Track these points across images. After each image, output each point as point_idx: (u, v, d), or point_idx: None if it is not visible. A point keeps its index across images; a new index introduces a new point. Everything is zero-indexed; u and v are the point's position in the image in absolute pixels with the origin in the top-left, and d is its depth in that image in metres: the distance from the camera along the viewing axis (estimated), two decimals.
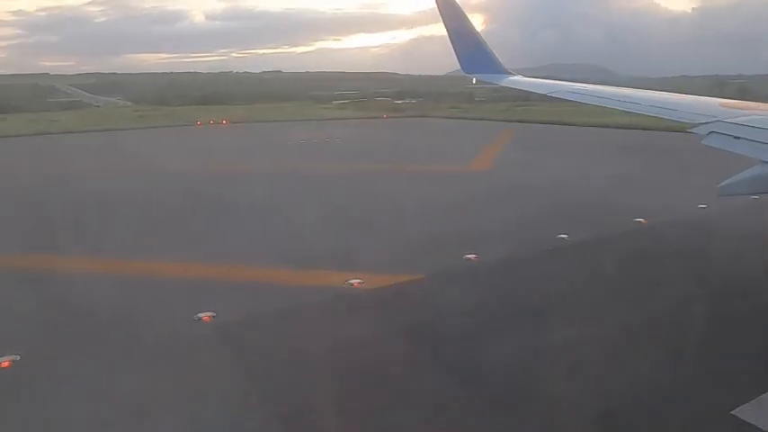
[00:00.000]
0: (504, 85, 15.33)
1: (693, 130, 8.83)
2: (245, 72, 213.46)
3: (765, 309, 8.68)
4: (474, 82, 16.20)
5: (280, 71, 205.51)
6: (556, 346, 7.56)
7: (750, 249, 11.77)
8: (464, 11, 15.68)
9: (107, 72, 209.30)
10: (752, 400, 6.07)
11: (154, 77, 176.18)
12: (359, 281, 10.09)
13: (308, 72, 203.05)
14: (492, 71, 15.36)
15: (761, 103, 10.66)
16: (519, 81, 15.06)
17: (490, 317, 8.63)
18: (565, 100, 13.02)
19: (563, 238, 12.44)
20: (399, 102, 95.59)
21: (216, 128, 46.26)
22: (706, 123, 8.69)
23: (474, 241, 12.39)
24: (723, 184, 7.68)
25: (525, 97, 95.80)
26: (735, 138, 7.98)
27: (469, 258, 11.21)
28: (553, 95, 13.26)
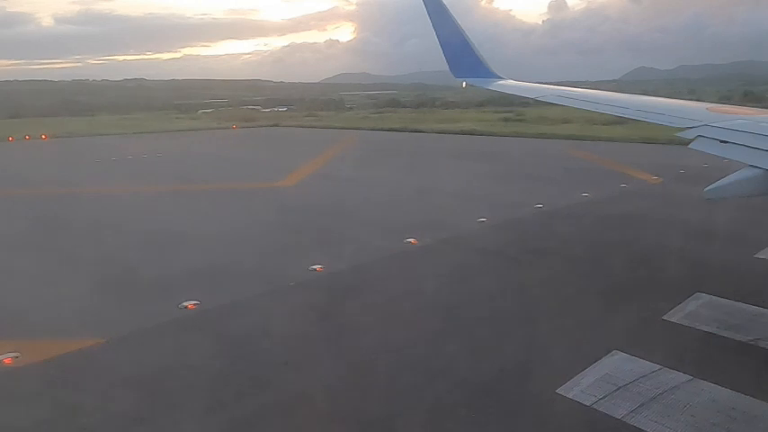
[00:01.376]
0: (493, 89, 15.12)
1: (680, 134, 8.74)
2: (104, 80, 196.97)
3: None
4: (464, 86, 16.05)
5: (143, 79, 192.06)
6: None
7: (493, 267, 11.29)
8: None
9: None
10: None
11: None
12: (14, 355, 7.67)
13: (173, 80, 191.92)
14: (481, 75, 15.20)
15: (748, 108, 10.66)
16: (508, 85, 14.91)
17: (150, 403, 6.67)
18: (554, 104, 12.97)
19: (314, 270, 10.91)
20: (267, 110, 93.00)
21: (28, 144, 40.67)
22: (692, 128, 8.60)
23: (206, 283, 10.41)
24: (710, 187, 7.49)
25: (392, 104, 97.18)
26: (721, 142, 7.93)
27: (186, 307, 9.21)
28: (542, 99, 13.14)
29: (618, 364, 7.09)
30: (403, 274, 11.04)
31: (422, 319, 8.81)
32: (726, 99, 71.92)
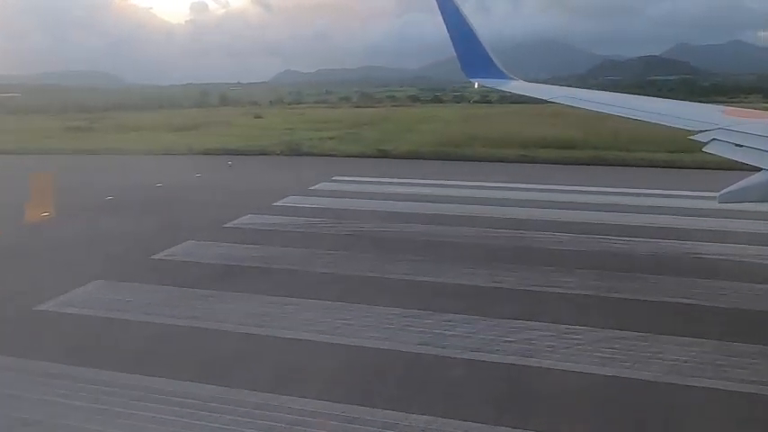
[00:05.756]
0: (508, 90, 15.26)
1: (695, 138, 8.67)
2: None
3: None
4: (476, 87, 16.07)
5: None
6: None
7: None
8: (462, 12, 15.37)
9: None
10: None
11: None
12: None
13: None
14: (495, 76, 15.16)
15: (763, 112, 10.87)
16: (521, 86, 15.02)
17: None
18: (568, 106, 12.95)
19: None
20: None
21: None
22: (707, 131, 8.54)
23: None
24: (725, 191, 7.44)
25: (19, 110, 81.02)
26: (736, 146, 7.85)
27: None
28: (555, 101, 13.23)
29: None
30: None
31: None
32: (345, 99, 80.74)
